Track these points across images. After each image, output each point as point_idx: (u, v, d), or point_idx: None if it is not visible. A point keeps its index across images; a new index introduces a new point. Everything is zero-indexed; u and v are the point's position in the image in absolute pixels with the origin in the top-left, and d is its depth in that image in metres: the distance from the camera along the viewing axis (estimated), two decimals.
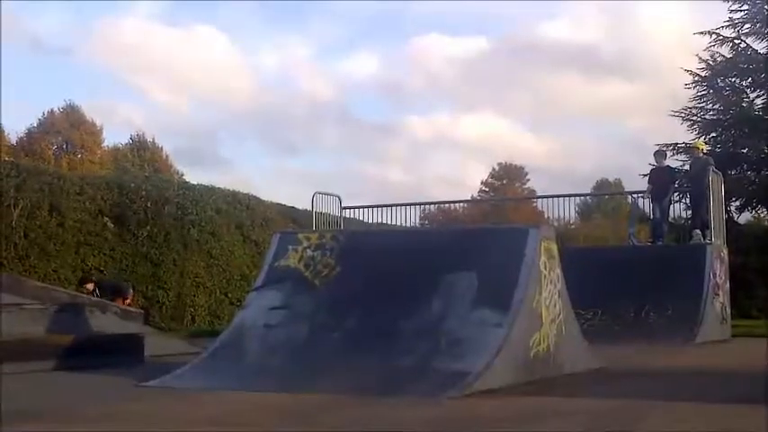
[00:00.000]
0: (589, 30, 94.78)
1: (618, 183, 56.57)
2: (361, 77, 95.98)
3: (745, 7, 26.21)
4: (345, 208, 20.42)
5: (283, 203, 24.08)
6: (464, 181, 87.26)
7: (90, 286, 16.37)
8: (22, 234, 17.35)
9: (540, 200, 27.65)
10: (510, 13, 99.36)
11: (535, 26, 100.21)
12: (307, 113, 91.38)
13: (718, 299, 16.05)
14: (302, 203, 23.42)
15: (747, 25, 26.27)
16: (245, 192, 22.92)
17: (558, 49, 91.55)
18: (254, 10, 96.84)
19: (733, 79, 26.86)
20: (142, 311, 14.40)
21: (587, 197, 51.82)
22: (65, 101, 54.67)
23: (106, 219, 18.90)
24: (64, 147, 51.99)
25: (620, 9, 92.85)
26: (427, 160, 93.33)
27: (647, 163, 20.09)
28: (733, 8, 26.22)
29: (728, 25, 26.28)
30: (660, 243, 17.65)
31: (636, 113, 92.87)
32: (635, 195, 20.73)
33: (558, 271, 9.63)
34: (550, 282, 9.34)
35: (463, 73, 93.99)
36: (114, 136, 54.13)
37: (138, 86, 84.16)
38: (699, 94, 26.73)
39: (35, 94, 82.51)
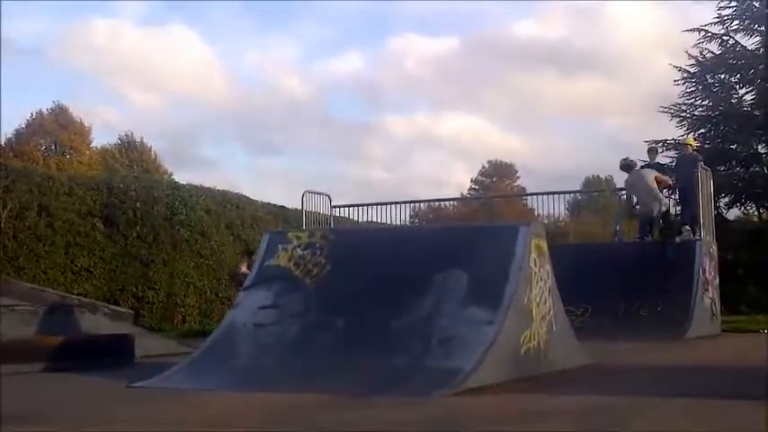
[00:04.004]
0: (565, 28, 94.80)
1: (609, 180, 56.65)
2: (343, 77, 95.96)
3: (734, 4, 26.24)
4: (335, 207, 20.40)
5: (273, 203, 24.08)
6: (446, 179, 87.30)
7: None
8: (11, 235, 17.31)
9: (530, 197, 27.69)
10: (485, 12, 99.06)
11: (511, 24, 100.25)
12: (289, 114, 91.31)
13: (707, 295, 16.09)
14: (290, 203, 23.45)
15: (736, 22, 26.31)
16: (234, 191, 22.94)
17: (536, 48, 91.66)
18: (236, 11, 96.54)
19: (722, 75, 26.87)
20: (132, 312, 14.39)
21: (577, 194, 51.85)
22: (53, 101, 54.50)
23: (95, 219, 18.86)
24: (52, 147, 51.79)
25: (597, 7, 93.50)
26: (410, 159, 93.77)
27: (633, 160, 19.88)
28: (722, 5, 26.26)
29: (717, 22, 26.33)
30: (649, 239, 17.67)
31: (617, 111, 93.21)
32: (622, 192, 20.76)
33: (548, 268, 9.64)
34: (540, 279, 9.35)
35: (440, 72, 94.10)
36: (96, 138, 53.88)
37: (118, 89, 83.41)
38: (688, 90, 26.77)
39: (17, 96, 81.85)
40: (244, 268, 17.18)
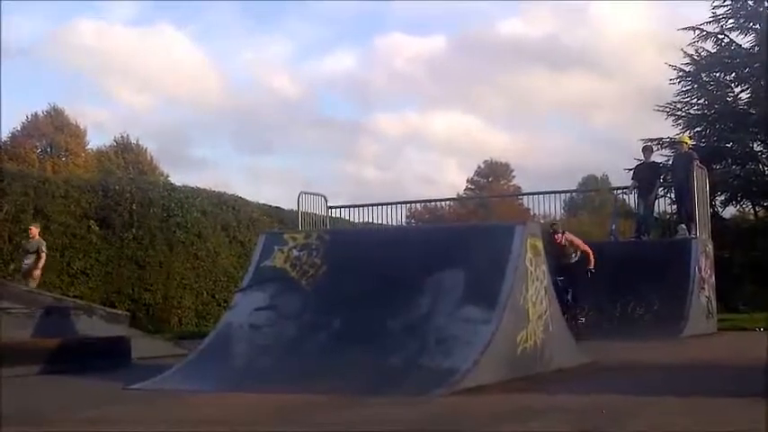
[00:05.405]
0: (554, 26, 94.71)
1: (605, 178, 56.73)
2: (335, 77, 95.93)
3: (729, 2, 26.27)
4: (331, 207, 20.41)
5: (269, 204, 24.07)
6: (439, 178, 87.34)
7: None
8: (6, 238, 17.28)
9: (526, 197, 27.64)
10: (472, 10, 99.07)
11: (498, 23, 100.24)
12: (282, 113, 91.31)
13: (703, 293, 16.11)
14: (287, 204, 23.45)
15: (731, 20, 26.34)
16: (230, 193, 22.94)
17: (525, 46, 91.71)
18: (228, 11, 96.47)
19: (717, 74, 26.92)
20: (128, 314, 14.37)
21: (573, 193, 51.85)
22: (48, 104, 54.36)
23: (91, 221, 18.83)
24: (48, 150, 51.72)
25: (584, 6, 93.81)
26: (403, 158, 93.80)
27: (625, 158, 19.96)
28: (716, 3, 26.30)
29: (712, 20, 26.37)
30: (645, 238, 17.70)
31: (611, 109, 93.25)
32: (617, 191, 20.84)
33: (544, 267, 9.65)
34: (536, 278, 9.35)
35: (430, 71, 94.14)
36: (89, 140, 53.85)
37: (109, 90, 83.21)
38: (683, 89, 26.80)
39: (9, 99, 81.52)
40: (33, 231, 16.51)
